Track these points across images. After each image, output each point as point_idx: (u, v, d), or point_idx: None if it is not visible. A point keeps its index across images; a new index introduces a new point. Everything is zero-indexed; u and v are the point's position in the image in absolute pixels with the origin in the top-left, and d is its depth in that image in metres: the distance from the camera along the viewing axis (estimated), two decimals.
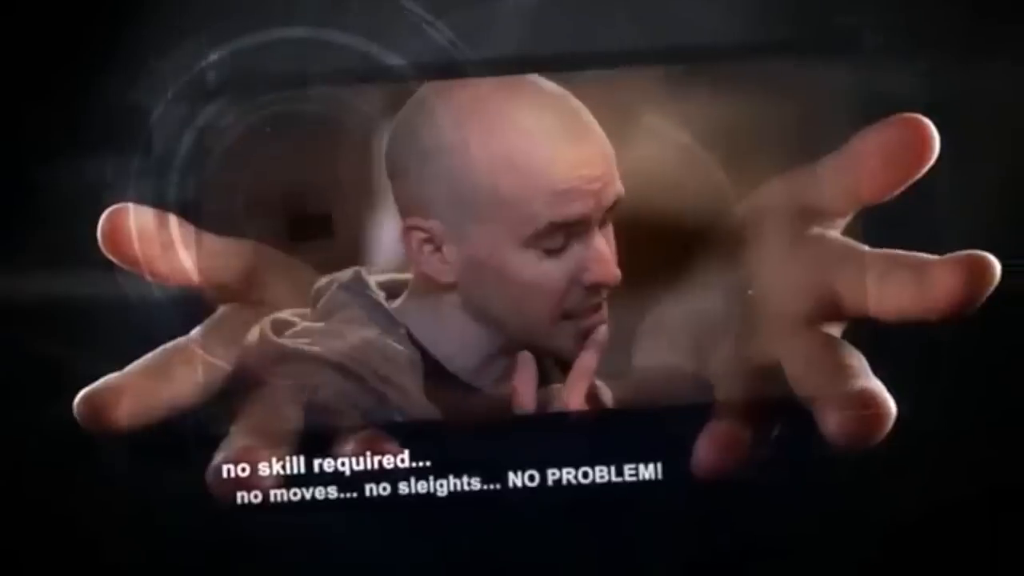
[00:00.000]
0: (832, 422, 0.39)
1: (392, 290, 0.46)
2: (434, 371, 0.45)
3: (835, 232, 0.44)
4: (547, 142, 0.43)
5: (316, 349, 0.44)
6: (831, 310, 0.42)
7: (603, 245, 0.44)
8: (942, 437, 0.46)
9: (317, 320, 0.45)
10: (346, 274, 0.46)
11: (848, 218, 0.44)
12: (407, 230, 0.45)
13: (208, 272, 0.44)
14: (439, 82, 0.44)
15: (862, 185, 0.43)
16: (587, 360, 0.44)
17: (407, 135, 0.44)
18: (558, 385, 0.45)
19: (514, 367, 0.44)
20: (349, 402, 0.44)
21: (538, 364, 0.45)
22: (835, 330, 0.43)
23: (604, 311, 0.45)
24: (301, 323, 0.45)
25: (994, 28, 0.48)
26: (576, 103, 0.44)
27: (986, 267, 0.39)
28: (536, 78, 0.44)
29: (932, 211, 0.44)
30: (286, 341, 0.44)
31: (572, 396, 0.44)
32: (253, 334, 0.44)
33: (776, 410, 0.42)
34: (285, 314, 0.45)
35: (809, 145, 0.44)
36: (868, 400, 0.39)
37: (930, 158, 0.42)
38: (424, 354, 0.45)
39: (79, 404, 0.42)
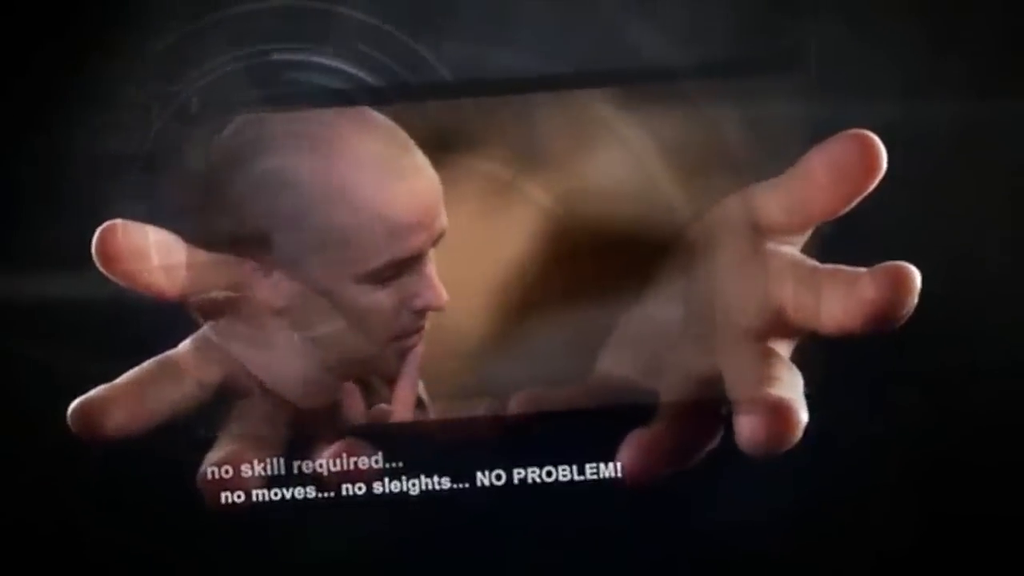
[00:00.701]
0: (741, 427, 0.40)
1: (210, 312, 0.45)
2: (266, 393, 0.46)
3: (790, 248, 0.44)
4: (381, 178, 0.45)
5: None
6: (778, 325, 0.43)
7: (434, 273, 0.46)
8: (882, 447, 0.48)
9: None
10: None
11: (805, 235, 0.45)
12: (237, 257, 0.45)
13: (198, 287, 0.45)
14: (265, 113, 0.45)
15: (814, 201, 0.43)
16: (409, 377, 0.46)
17: (237, 164, 0.45)
18: (384, 405, 0.46)
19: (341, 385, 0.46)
20: None
21: (367, 382, 0.46)
22: (784, 347, 0.44)
23: (424, 330, 0.46)
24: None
25: (941, 48, 0.49)
26: (405, 136, 0.45)
27: (903, 277, 0.40)
28: (366, 110, 0.45)
29: (886, 228, 0.45)
30: None
31: (399, 409, 0.46)
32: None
33: (710, 418, 0.43)
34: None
35: (763, 164, 0.45)
36: (776, 408, 0.39)
37: (877, 172, 0.42)
38: (252, 377, 0.46)
39: (72, 414, 0.43)
